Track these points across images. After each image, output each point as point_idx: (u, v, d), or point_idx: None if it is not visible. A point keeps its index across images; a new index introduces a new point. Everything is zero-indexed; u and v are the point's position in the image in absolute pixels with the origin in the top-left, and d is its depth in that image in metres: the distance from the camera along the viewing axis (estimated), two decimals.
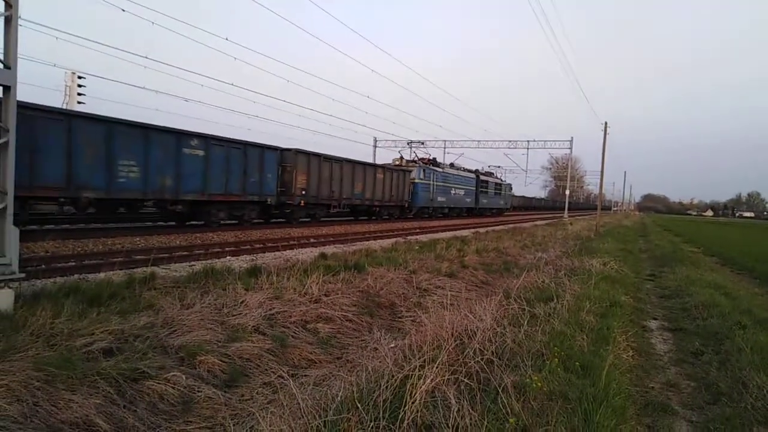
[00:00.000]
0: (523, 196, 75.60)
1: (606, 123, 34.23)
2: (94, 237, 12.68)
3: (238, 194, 18.77)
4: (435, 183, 36.96)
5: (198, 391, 4.30)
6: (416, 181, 34.27)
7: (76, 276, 7.87)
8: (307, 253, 12.22)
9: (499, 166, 58.20)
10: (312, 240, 16.43)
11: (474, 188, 45.31)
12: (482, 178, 47.79)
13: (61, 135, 13.11)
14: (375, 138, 55.62)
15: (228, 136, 18.48)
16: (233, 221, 19.31)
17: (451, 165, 42.79)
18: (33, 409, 3.58)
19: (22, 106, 11.66)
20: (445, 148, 56.03)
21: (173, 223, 18.10)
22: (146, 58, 19.76)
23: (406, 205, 33.06)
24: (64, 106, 22.04)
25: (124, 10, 16.97)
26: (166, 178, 15.82)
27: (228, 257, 11.24)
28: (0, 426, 3.30)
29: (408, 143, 42.45)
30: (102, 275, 7.79)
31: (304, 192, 22.13)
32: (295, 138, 44.80)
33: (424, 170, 35.26)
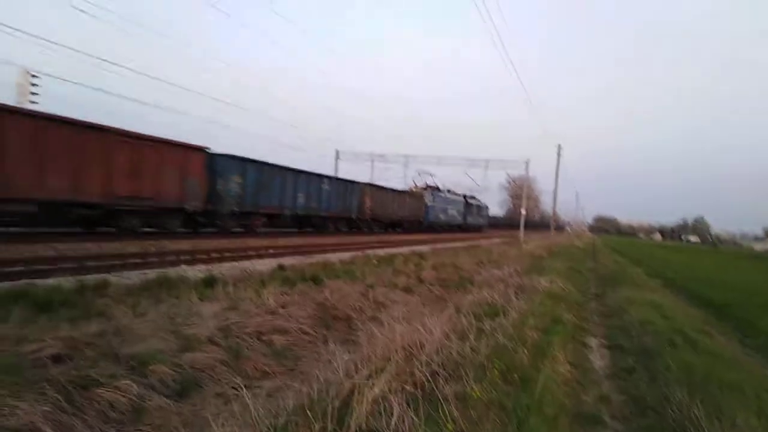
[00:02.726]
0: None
1: (559, 146, 35.45)
2: (44, 242, 12.36)
3: (341, 213, 30.94)
4: (438, 205, 48.73)
5: (149, 400, 4.30)
6: (428, 203, 46.04)
7: (24, 281, 7.69)
8: (265, 264, 12.23)
9: (473, 197, 63.84)
10: (280, 250, 16.41)
11: (463, 209, 56.96)
12: (468, 201, 59.23)
13: (278, 179, 24.46)
14: (337, 150, 55.87)
15: (338, 176, 33.09)
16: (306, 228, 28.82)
17: (448, 191, 53.78)
18: None
19: (267, 165, 23.57)
20: (406, 163, 56.69)
21: (295, 229, 27.58)
22: (104, 60, 19.55)
23: (422, 221, 44.78)
24: (17, 104, 21.35)
25: (83, 11, 16.83)
26: (312, 203, 27.54)
27: (183, 266, 11.14)
28: None
29: (418, 173, 53.19)
30: (52, 281, 7.66)
31: (369, 211, 34.16)
32: (252, 146, 45.17)
33: (433, 195, 47.48)
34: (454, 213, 54.12)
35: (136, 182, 16.41)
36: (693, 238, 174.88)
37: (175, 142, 17.95)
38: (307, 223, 28.28)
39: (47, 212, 14.39)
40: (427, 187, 49.20)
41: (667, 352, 6.23)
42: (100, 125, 15.53)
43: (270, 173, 23.69)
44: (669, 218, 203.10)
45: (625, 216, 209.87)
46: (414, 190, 47.67)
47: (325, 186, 28.79)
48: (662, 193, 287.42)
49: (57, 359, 4.55)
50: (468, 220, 58.74)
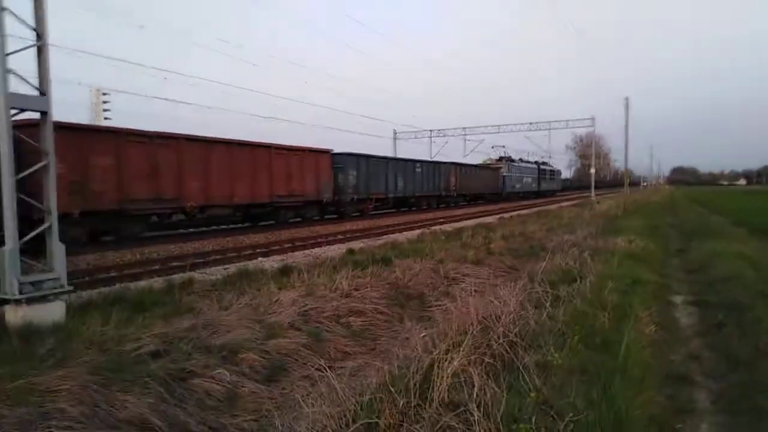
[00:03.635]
0: None
1: (627, 99, 33.81)
2: (132, 247, 13.19)
3: (431, 192, 34.08)
4: (514, 175, 51.23)
5: (242, 387, 4.54)
6: (504, 174, 48.27)
7: (118, 285, 8.25)
8: (335, 250, 12.53)
9: (545, 163, 64.84)
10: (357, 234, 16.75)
11: (537, 176, 58.86)
12: (542, 167, 61.00)
13: (381, 168, 28.13)
14: (395, 131, 55.67)
15: (427, 159, 36.87)
16: (402, 208, 32.48)
17: (520, 160, 56.28)
18: (93, 410, 3.84)
19: (373, 157, 28.04)
20: (465, 135, 55.74)
21: (393, 210, 31.37)
22: (166, 71, 20.45)
23: (500, 192, 47.10)
24: (93, 122, 22.78)
25: (142, 27, 17.74)
26: (408, 185, 30.80)
27: (260, 258, 11.61)
28: (66, 426, 3.56)
29: (492, 147, 54.94)
30: (143, 283, 8.19)
31: (455, 188, 37.43)
32: (312, 135, 46.08)
33: (508, 166, 49.95)
34: (529, 181, 56.54)
35: (289, 183, 20.93)
36: None
37: (311, 148, 22.64)
38: (404, 204, 32.28)
39: (236, 213, 19.51)
40: (501, 159, 51.72)
41: (759, 305, 5.91)
42: (264, 143, 19.91)
43: (376, 164, 27.79)
44: (755, 163, 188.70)
45: (707, 165, 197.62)
46: (490, 163, 50.37)
47: (418, 169, 32.61)
48: (745, 136, 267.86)
49: (155, 355, 4.87)
50: (542, 187, 60.53)
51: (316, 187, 22.43)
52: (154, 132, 15.74)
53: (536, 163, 61.23)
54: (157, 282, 8.01)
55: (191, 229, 18.81)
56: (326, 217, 24.48)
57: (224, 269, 9.75)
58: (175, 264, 10.39)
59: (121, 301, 6.62)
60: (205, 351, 5.09)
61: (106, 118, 26.43)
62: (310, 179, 22.13)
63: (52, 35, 5.98)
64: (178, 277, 8.32)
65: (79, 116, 27.26)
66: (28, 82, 5.85)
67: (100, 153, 13.74)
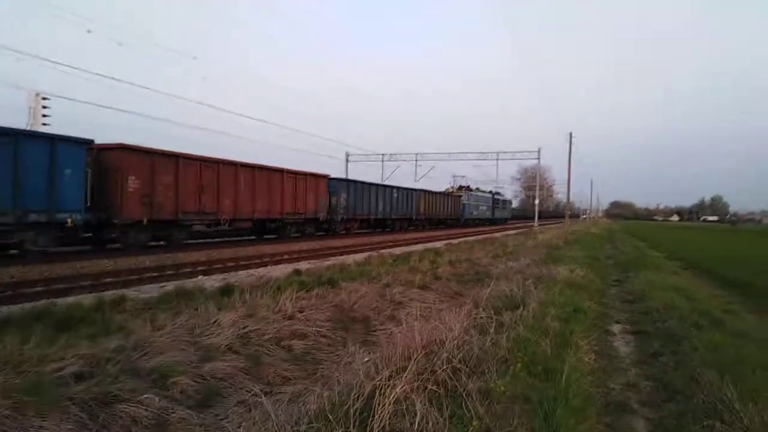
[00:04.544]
0: None
1: (571, 134, 35.19)
2: (62, 261, 12.50)
3: (404, 215, 38.26)
4: (472, 203, 56.51)
5: (172, 413, 4.26)
6: (464, 202, 53.63)
7: (44, 301, 7.74)
8: (281, 270, 12.24)
9: (498, 193, 70.90)
10: (294, 255, 16.44)
11: (491, 205, 64.27)
12: (495, 197, 66.86)
13: (366, 192, 32.26)
14: (347, 153, 56.00)
15: (403, 186, 39.70)
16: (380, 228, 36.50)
17: (478, 189, 62.11)
18: None
19: (360, 182, 33.15)
20: (416, 161, 56.60)
21: (370, 230, 35.01)
22: (112, 78, 19.77)
23: (459, 217, 52.23)
24: (29, 128, 21.57)
25: (89, 31, 17.20)
26: (386, 208, 34.85)
27: (200, 277, 11.20)
28: None
29: (453, 176, 62.67)
30: (71, 299, 7.70)
31: (422, 211, 42.00)
32: (261, 152, 45.30)
33: (468, 195, 55.50)
34: (484, 209, 61.97)
35: (295, 202, 24.76)
36: (711, 218, 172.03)
37: (313, 173, 26.74)
38: (381, 225, 36.16)
39: (255, 226, 23.16)
40: (461, 188, 57.32)
41: (693, 335, 6.14)
42: (279, 168, 23.55)
43: (362, 189, 32.31)
44: (687, 200, 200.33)
45: (643, 200, 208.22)
46: (451, 191, 55.56)
47: (395, 194, 36.78)
48: (679, 175, 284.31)
49: (79, 377, 4.54)
50: (496, 215, 66.39)
51: (315, 206, 26.54)
52: (201, 156, 18.79)
53: (491, 192, 66.43)
54: (87, 298, 7.55)
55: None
56: (318, 233, 28.05)
57: (161, 287, 9.33)
58: (107, 280, 9.89)
59: (45, 318, 6.19)
60: (133, 374, 4.78)
61: (44, 124, 25.07)
62: (311, 200, 26.18)
63: None
64: (109, 294, 7.88)
65: (16, 121, 25.87)
66: None
67: (164, 172, 16.83)
